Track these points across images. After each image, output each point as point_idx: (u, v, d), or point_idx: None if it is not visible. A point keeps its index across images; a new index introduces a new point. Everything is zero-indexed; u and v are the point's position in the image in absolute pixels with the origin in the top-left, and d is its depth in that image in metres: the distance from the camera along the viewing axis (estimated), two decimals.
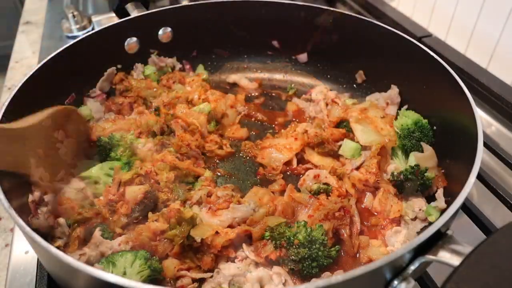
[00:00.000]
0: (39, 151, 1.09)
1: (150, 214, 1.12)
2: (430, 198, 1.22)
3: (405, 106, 1.45)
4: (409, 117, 1.32)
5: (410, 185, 1.21)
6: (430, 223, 1.15)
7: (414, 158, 1.25)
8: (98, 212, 1.13)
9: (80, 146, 1.27)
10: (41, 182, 1.09)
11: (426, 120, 1.31)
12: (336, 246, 1.07)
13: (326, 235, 1.05)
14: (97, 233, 1.06)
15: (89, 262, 1.01)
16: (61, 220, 1.09)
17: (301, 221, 1.07)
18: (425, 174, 1.19)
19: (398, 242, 1.12)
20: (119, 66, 1.57)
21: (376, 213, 1.22)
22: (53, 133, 1.16)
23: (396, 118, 1.39)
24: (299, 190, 1.27)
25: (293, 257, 1.01)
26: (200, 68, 1.75)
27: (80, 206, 1.14)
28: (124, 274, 0.96)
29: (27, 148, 1.05)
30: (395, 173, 1.24)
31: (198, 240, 1.03)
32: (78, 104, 1.46)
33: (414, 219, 1.19)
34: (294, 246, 1.01)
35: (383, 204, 1.20)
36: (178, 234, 1.03)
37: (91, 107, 1.46)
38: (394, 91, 1.51)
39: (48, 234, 1.08)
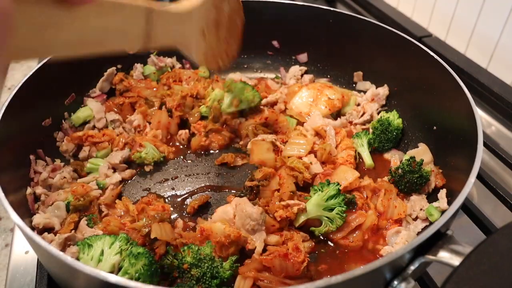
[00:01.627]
0: (201, 29, 1.09)
1: (117, 201, 1.19)
2: (430, 199, 1.22)
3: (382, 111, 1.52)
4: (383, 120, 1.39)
5: (409, 179, 1.21)
6: (431, 223, 1.15)
7: (408, 156, 1.27)
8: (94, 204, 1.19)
9: (236, 31, 1.31)
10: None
11: (398, 123, 1.40)
12: (232, 257, 1.03)
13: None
14: (83, 222, 1.13)
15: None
16: (61, 203, 1.15)
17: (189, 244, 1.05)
18: (422, 166, 1.21)
19: (398, 242, 1.12)
20: (119, 66, 1.57)
21: (378, 214, 1.20)
22: (213, 12, 1.13)
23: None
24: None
25: (189, 282, 0.98)
26: (203, 67, 1.74)
27: (85, 194, 1.18)
28: (101, 254, 0.97)
29: (190, 27, 1.05)
30: (393, 168, 1.26)
31: (152, 236, 1.04)
32: (78, 105, 1.46)
33: (415, 219, 1.19)
34: (186, 272, 0.98)
35: (386, 205, 1.20)
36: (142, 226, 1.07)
37: (92, 107, 1.46)
38: (384, 90, 1.53)
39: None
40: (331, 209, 1.13)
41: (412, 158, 1.23)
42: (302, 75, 1.72)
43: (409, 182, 1.22)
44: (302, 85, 1.64)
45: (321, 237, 1.15)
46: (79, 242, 1.01)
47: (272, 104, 1.58)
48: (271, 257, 1.03)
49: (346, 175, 1.24)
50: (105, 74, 1.53)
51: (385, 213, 1.19)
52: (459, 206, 0.88)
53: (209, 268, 0.97)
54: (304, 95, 1.55)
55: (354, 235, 1.14)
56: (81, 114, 1.43)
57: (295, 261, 1.02)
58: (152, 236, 1.04)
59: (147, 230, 1.06)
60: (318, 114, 1.48)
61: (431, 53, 1.31)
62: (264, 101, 1.56)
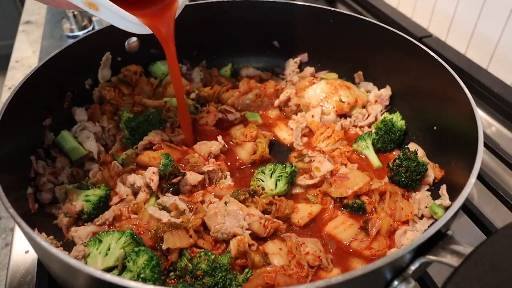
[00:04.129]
0: None
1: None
2: (432, 197, 1.22)
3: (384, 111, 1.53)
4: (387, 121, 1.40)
5: (407, 167, 1.22)
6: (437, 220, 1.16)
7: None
8: None
9: None
10: None
11: (401, 124, 1.41)
12: (247, 273, 1.02)
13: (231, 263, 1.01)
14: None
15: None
16: None
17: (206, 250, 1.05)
18: (417, 156, 1.24)
19: (405, 242, 1.12)
20: (118, 58, 1.56)
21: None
22: None
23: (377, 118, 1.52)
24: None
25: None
26: (229, 67, 1.76)
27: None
28: (108, 249, 1.01)
29: None
30: (390, 162, 1.28)
31: (164, 247, 1.05)
32: (77, 103, 1.46)
33: (421, 217, 1.20)
34: (198, 278, 0.97)
35: (393, 208, 1.19)
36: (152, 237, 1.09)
37: (80, 117, 1.43)
38: (387, 91, 1.54)
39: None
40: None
41: (406, 148, 1.27)
42: (299, 67, 1.73)
43: (409, 171, 1.22)
44: (313, 80, 1.64)
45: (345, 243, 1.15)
46: (91, 238, 1.05)
47: (286, 102, 1.60)
48: (274, 275, 1.01)
49: (357, 180, 1.23)
50: (102, 62, 1.51)
51: (393, 216, 1.19)
52: (459, 206, 0.88)
53: (222, 278, 0.96)
54: (320, 88, 1.56)
55: (378, 242, 1.13)
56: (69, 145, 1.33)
57: (299, 276, 1.02)
58: (164, 247, 1.04)
59: (154, 232, 1.08)
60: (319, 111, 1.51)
61: (431, 54, 1.31)
62: (277, 102, 1.60)
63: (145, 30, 1.15)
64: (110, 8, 1.05)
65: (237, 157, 1.40)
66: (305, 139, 1.47)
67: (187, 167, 1.31)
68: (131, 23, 1.10)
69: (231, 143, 1.44)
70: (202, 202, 1.22)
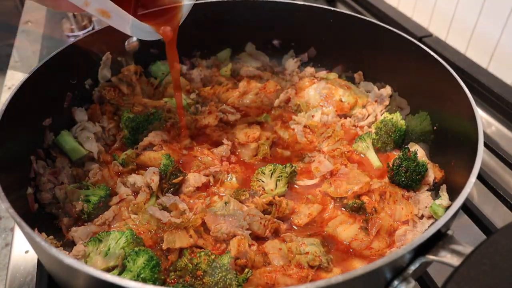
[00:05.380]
0: None
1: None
2: (433, 196, 1.22)
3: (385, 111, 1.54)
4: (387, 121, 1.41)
5: (407, 167, 1.22)
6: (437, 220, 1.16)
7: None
8: None
9: None
10: None
11: (401, 124, 1.41)
12: (246, 271, 1.02)
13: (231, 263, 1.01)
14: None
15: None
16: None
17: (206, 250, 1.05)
18: (417, 156, 1.24)
19: (405, 243, 1.12)
20: (119, 58, 1.56)
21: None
22: None
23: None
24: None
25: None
26: (229, 67, 1.74)
27: None
28: (108, 249, 1.01)
29: None
30: (390, 162, 1.27)
31: (164, 247, 1.06)
32: (77, 103, 1.46)
33: (421, 217, 1.20)
34: (198, 278, 0.97)
35: (393, 208, 1.19)
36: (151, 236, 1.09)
37: (80, 117, 1.42)
38: (387, 91, 1.54)
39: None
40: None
41: (406, 148, 1.27)
42: (299, 67, 1.73)
43: (409, 171, 1.22)
44: (313, 80, 1.64)
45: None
46: (91, 238, 1.05)
47: (286, 102, 1.60)
48: (274, 275, 1.01)
49: (357, 180, 1.23)
50: (102, 62, 1.51)
51: (393, 216, 1.19)
52: (459, 206, 0.88)
53: (222, 278, 0.96)
54: (320, 88, 1.57)
55: (378, 242, 1.13)
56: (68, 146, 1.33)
57: (299, 276, 1.02)
58: (164, 247, 1.05)
59: (154, 232, 1.08)
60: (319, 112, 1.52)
61: (432, 53, 1.31)
62: (277, 102, 1.59)
63: (155, 37, 1.20)
64: (122, 16, 1.07)
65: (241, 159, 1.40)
66: (309, 136, 1.47)
67: (193, 168, 1.31)
68: (142, 31, 1.14)
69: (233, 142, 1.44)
70: (203, 202, 1.22)
